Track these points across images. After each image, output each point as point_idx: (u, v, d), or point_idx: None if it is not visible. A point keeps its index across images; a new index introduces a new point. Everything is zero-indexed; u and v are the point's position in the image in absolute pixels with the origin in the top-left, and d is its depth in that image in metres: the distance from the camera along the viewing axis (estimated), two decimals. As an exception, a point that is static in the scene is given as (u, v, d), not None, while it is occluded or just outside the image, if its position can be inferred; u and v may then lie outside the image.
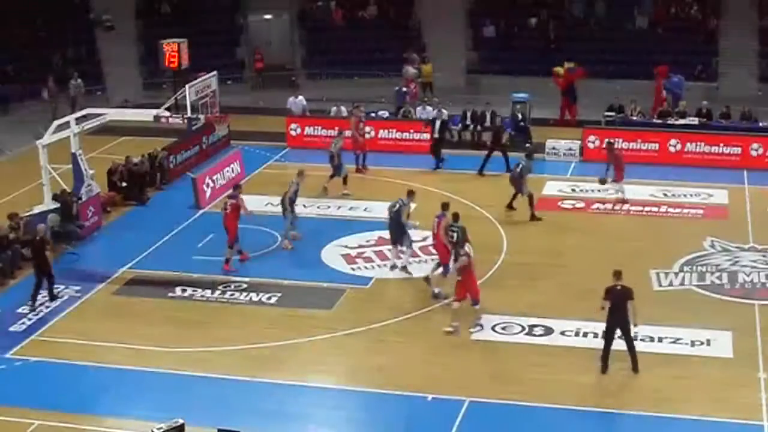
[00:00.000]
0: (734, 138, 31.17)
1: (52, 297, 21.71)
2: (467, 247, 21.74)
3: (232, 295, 21.99)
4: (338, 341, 19.86)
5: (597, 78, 38.77)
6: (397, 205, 22.87)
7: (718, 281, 22.47)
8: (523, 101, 33.90)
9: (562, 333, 19.95)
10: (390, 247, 23.38)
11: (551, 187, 28.96)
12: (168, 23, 42.32)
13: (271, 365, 18.88)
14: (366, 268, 23.36)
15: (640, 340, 18.70)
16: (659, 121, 33.23)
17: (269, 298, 21.75)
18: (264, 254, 24.16)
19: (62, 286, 22.16)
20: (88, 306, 21.69)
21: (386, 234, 23.54)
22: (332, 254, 24.13)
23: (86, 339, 19.93)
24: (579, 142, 31.70)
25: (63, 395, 17.86)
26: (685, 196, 28.29)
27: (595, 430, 17.00)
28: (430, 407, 17.42)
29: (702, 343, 19.46)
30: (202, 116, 26.15)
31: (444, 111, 32.21)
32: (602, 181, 27.37)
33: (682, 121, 33.06)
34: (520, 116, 33.07)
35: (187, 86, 25.79)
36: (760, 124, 32.75)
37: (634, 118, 33.53)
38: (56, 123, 26.01)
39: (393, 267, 23.16)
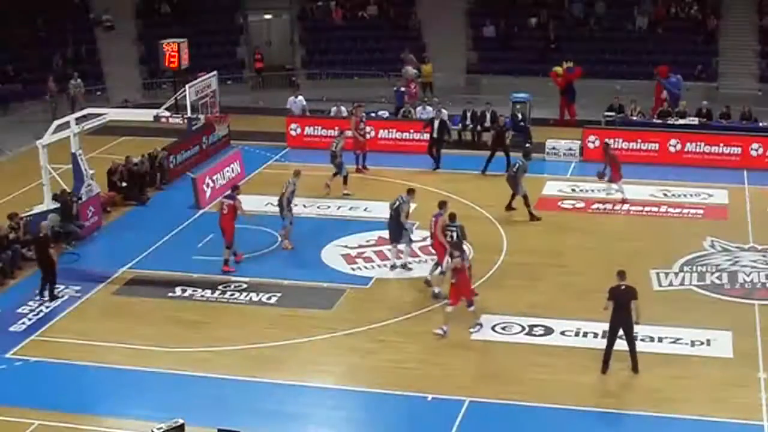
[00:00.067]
0: (734, 138, 31.16)
1: (52, 297, 21.72)
2: (466, 247, 21.77)
3: (232, 295, 21.99)
4: (338, 341, 19.86)
5: (597, 78, 38.83)
6: (397, 203, 22.88)
7: (718, 281, 22.47)
8: (523, 101, 33.89)
9: (562, 333, 19.95)
10: (390, 246, 23.39)
11: (551, 187, 28.96)
12: (168, 23, 42.34)
13: (271, 365, 18.89)
14: (366, 268, 23.36)
15: (640, 340, 18.70)
16: (659, 121, 33.22)
17: (269, 298, 21.75)
18: (264, 254, 24.16)
19: (62, 286, 22.16)
20: (88, 306, 21.69)
21: (386, 234, 23.54)
22: (332, 254, 24.13)
23: (86, 339, 19.93)
24: (579, 142, 31.70)
25: (63, 395, 17.86)
26: (685, 196, 28.29)
27: (595, 430, 16.99)
28: (430, 407, 17.42)
29: (702, 343, 19.46)
30: (202, 116, 26.13)
31: (444, 111, 32.21)
32: (600, 176, 27.41)
33: (682, 121, 33.06)
34: (520, 116, 33.06)
35: (187, 86, 25.77)
36: (760, 124, 32.74)
37: (634, 118, 33.52)
38: (56, 123, 26.00)
39: (393, 267, 23.18)
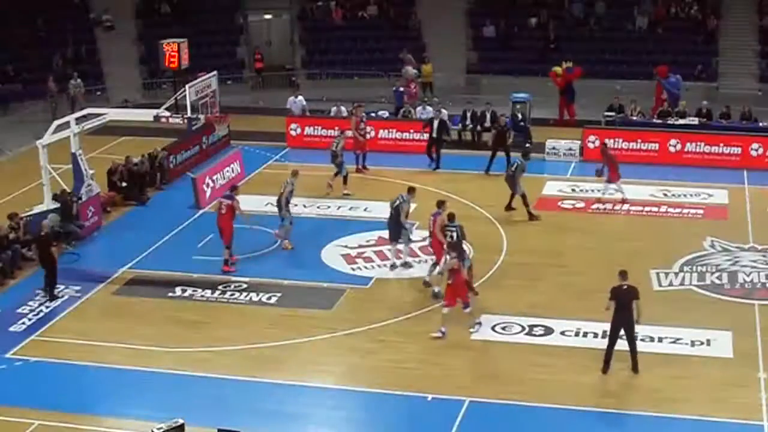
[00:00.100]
0: (734, 138, 31.16)
1: (52, 297, 21.73)
2: (466, 246, 21.77)
3: (232, 295, 21.99)
4: (338, 341, 19.86)
5: (597, 78, 38.84)
6: (398, 202, 22.90)
7: (718, 281, 22.47)
8: (523, 101, 33.89)
9: (562, 333, 19.95)
10: (390, 246, 23.40)
11: (551, 187, 28.96)
12: (168, 23, 42.35)
13: (271, 365, 18.89)
14: (366, 268, 23.36)
15: (640, 340, 18.68)
16: (659, 121, 33.22)
17: (269, 298, 21.75)
18: (264, 254, 24.16)
19: (62, 286, 22.16)
20: (88, 306, 21.69)
21: (386, 234, 23.54)
22: (332, 254, 24.13)
23: (86, 339, 19.93)
24: (579, 142, 31.70)
25: (63, 395, 17.87)
26: (685, 196, 28.28)
27: (595, 430, 16.99)
28: (430, 407, 17.42)
29: (702, 343, 19.46)
30: (202, 116, 26.13)
31: (444, 111, 32.21)
32: (599, 173, 27.44)
33: (682, 121, 33.06)
34: (520, 116, 33.06)
35: (187, 86, 25.77)
36: (760, 124, 32.74)
37: (634, 118, 33.52)
38: (56, 123, 26.00)
39: (393, 266, 23.19)
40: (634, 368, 18.28)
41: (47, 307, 21.44)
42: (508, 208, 26.52)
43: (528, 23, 43.59)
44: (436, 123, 30.84)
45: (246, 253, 23.80)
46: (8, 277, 22.91)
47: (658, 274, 22.69)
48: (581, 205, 27.62)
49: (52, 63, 40.26)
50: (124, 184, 28.07)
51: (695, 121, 33.08)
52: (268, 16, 45.55)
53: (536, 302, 21.32)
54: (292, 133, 33.57)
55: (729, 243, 24.56)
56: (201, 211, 27.09)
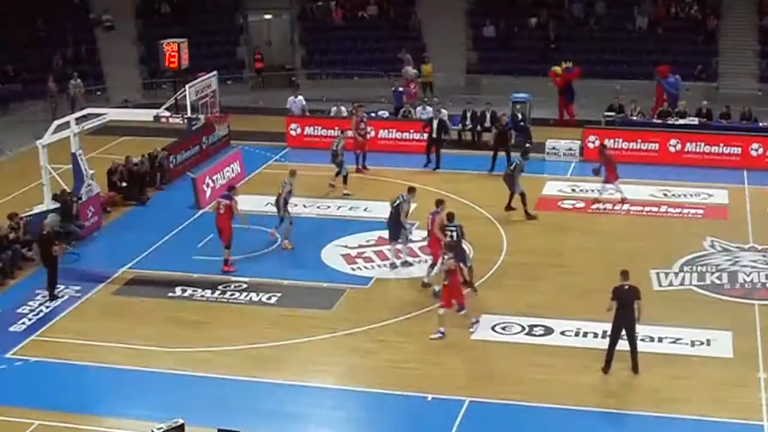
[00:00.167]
0: (734, 138, 31.16)
1: (53, 297, 21.73)
2: (466, 246, 21.76)
3: (232, 295, 21.99)
4: (338, 341, 19.86)
5: (597, 78, 38.87)
6: (398, 201, 22.92)
7: (718, 281, 22.47)
8: (523, 101, 33.90)
9: (562, 333, 19.95)
10: (389, 246, 23.40)
11: (551, 187, 28.96)
12: (168, 23, 42.36)
13: (271, 365, 18.89)
14: (366, 268, 23.36)
15: (640, 340, 18.67)
16: (659, 121, 33.22)
17: (269, 298, 21.75)
18: (264, 254, 24.16)
19: (62, 286, 22.16)
20: (88, 306, 21.69)
21: (386, 233, 23.54)
22: (332, 254, 24.13)
23: (86, 339, 19.93)
24: (579, 142, 31.70)
25: (63, 395, 17.86)
26: (685, 196, 28.28)
27: (595, 430, 16.99)
28: (430, 407, 17.42)
29: (702, 343, 19.46)
30: (202, 116, 26.14)
31: (444, 111, 32.22)
32: (596, 172, 27.46)
33: (682, 121, 33.06)
34: (520, 116, 33.06)
35: (187, 86, 25.77)
36: (760, 124, 32.74)
37: (634, 118, 33.52)
38: (56, 123, 26.00)
39: (393, 266, 23.19)
40: (634, 368, 18.27)
41: (47, 307, 21.44)
42: (508, 208, 26.52)
43: (528, 23, 43.59)
44: (435, 123, 30.84)
45: (246, 253, 23.81)
46: (8, 277, 22.91)
47: (658, 274, 22.69)
48: (581, 205, 27.62)
49: (52, 63, 40.27)
50: (124, 184, 28.07)
51: (695, 121, 33.08)
52: (268, 16, 45.56)
53: (536, 302, 21.32)
54: (292, 133, 33.57)
55: (729, 243, 24.56)
56: (201, 211, 27.08)
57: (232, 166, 29.70)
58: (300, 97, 34.73)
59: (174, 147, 30.68)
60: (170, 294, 22.05)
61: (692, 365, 18.74)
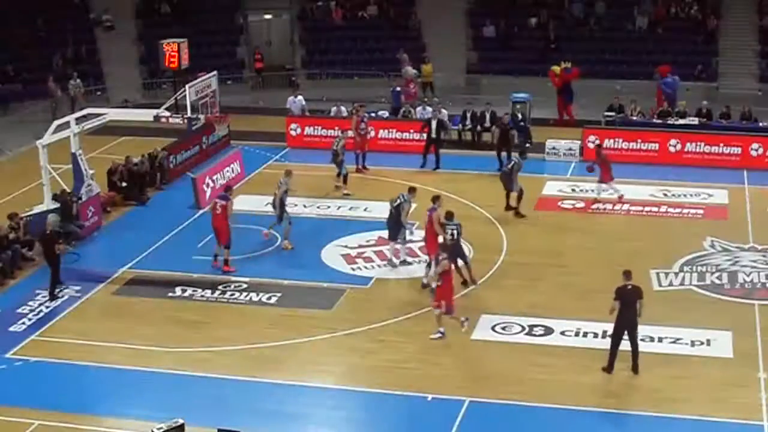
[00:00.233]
0: (734, 138, 31.16)
1: (53, 297, 21.74)
2: (465, 245, 21.76)
3: (232, 295, 21.99)
4: (338, 341, 19.86)
5: (597, 78, 38.87)
6: (398, 201, 22.93)
7: (718, 281, 22.47)
8: (523, 101, 33.90)
9: (562, 333, 19.94)
10: (389, 246, 23.40)
11: (551, 187, 28.95)
12: (168, 23, 42.37)
13: (271, 365, 18.89)
14: (366, 268, 23.36)
15: (641, 340, 18.67)
16: (659, 121, 33.22)
17: (269, 298, 21.75)
18: (264, 254, 24.16)
19: (62, 286, 22.14)
20: (88, 306, 21.69)
21: (386, 233, 23.55)
22: (332, 254, 24.13)
23: (86, 339, 19.93)
24: (579, 142, 31.69)
25: (63, 395, 17.86)
26: (685, 196, 28.28)
27: (595, 430, 16.98)
28: (430, 407, 17.42)
29: (702, 343, 19.46)
30: (202, 116, 26.14)
31: (444, 111, 32.21)
32: (590, 169, 27.47)
33: (682, 121, 33.06)
34: (520, 116, 33.05)
35: (187, 86, 25.78)
36: (760, 124, 32.74)
37: (634, 118, 33.52)
38: (56, 123, 26.00)
39: (392, 265, 23.20)
40: (634, 369, 18.26)
41: (47, 307, 21.44)
42: (508, 207, 26.51)
43: (528, 23, 43.59)
44: (434, 123, 30.82)
45: (246, 253, 23.81)
46: (8, 277, 22.91)
47: (658, 274, 22.69)
48: (581, 205, 27.62)
49: (52, 63, 40.27)
50: (124, 184, 28.07)
51: (695, 121, 33.08)
52: (268, 16, 45.55)
53: (536, 302, 21.32)
54: (292, 133, 33.57)
55: (729, 243, 24.56)
56: (201, 211, 27.06)
57: (232, 166, 29.70)
58: (300, 97, 34.72)
59: (174, 147, 30.68)
60: (170, 294, 22.04)
61: (692, 365, 18.74)
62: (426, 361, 18.99)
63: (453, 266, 21.18)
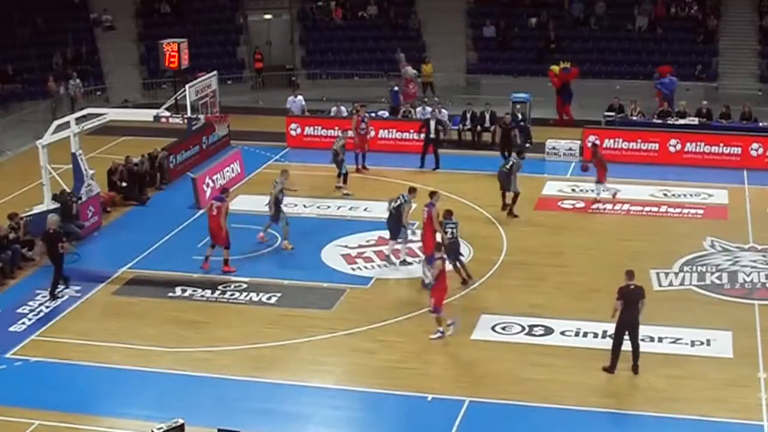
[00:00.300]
0: (734, 138, 31.16)
1: (53, 296, 21.74)
2: (464, 245, 21.77)
3: (232, 295, 21.99)
4: (338, 341, 19.86)
5: (597, 78, 38.88)
6: (399, 201, 22.93)
7: (718, 281, 22.47)
8: (523, 101, 33.91)
9: (562, 333, 19.94)
10: (389, 246, 23.40)
11: (551, 187, 28.95)
12: (168, 23, 42.37)
13: (271, 365, 18.89)
14: (366, 268, 23.36)
15: (641, 340, 18.67)
16: (659, 121, 33.22)
17: (269, 298, 21.75)
18: (264, 254, 24.16)
19: (62, 286, 22.14)
20: (88, 306, 21.69)
21: (386, 234, 23.56)
22: (332, 254, 24.13)
23: (86, 339, 19.94)
24: (579, 142, 31.67)
25: (63, 395, 17.86)
26: (685, 196, 28.28)
27: (595, 430, 16.97)
28: (430, 407, 17.42)
29: (702, 343, 19.46)
30: (202, 116, 26.15)
31: (444, 111, 32.19)
32: (585, 168, 27.48)
33: (682, 121, 33.06)
34: (520, 116, 33.05)
35: (187, 86, 25.79)
36: (760, 124, 32.72)
37: (634, 118, 33.52)
38: (56, 123, 26.00)
39: (390, 263, 23.21)
40: (635, 369, 18.26)
41: (47, 307, 21.44)
42: (504, 207, 26.47)
43: (528, 23, 43.58)
44: (432, 123, 30.81)
45: (246, 253, 23.81)
46: (8, 277, 22.91)
47: (658, 274, 22.68)
48: (581, 205, 27.62)
49: (52, 63, 40.27)
50: (124, 184, 28.07)
51: (695, 121, 33.07)
52: (268, 16, 45.53)
53: (536, 302, 21.32)
54: (292, 133, 33.56)
55: (729, 243, 24.56)
56: (201, 211, 27.01)
57: (232, 166, 29.70)
58: (300, 97, 34.72)
59: (174, 147, 30.67)
60: (170, 294, 22.05)
61: (692, 365, 18.74)
62: (426, 361, 19.00)
63: (452, 266, 21.24)
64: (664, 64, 36.37)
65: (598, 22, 43.23)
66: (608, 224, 26.35)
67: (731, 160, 30.83)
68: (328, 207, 27.40)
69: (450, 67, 41.60)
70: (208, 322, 20.76)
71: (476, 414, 17.15)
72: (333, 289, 22.13)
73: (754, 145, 30.85)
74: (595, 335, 19.62)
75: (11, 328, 20.51)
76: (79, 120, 26.15)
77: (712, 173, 29.88)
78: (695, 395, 17.68)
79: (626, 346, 18.26)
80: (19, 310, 21.27)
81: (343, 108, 33.64)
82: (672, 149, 31.30)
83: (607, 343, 18.60)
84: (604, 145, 30.37)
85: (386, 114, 34.57)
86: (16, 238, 23.54)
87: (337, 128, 30.58)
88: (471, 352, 19.45)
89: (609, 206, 27.32)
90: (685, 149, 31.22)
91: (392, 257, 23.32)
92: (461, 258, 22.08)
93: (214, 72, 27.89)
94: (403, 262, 23.24)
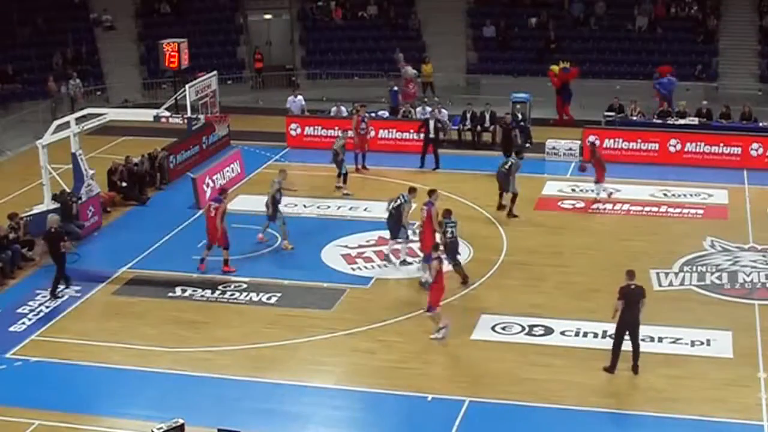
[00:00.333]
0: (734, 138, 31.16)
1: (53, 296, 21.74)
2: (463, 244, 21.78)
3: (232, 295, 21.99)
4: (338, 341, 19.86)
5: (597, 78, 38.87)
6: (399, 201, 22.93)
7: (718, 281, 22.46)
8: (523, 101, 33.91)
9: (562, 333, 19.94)
10: (389, 246, 23.40)
11: (551, 187, 28.95)
12: (168, 23, 42.38)
13: (271, 365, 18.89)
14: (366, 268, 23.36)
15: (641, 340, 18.67)
16: (659, 121, 33.22)
17: (269, 298, 21.75)
18: (264, 254, 24.16)
19: (62, 286, 22.14)
20: (88, 306, 21.69)
21: (386, 234, 23.56)
22: (332, 254, 24.13)
23: (86, 339, 19.94)
24: (579, 142, 31.67)
25: (63, 395, 17.87)
26: (685, 196, 28.28)
27: (595, 430, 16.97)
28: (430, 407, 17.42)
29: (702, 343, 19.46)
30: (202, 116, 26.16)
31: (444, 111, 32.18)
32: (583, 168, 27.47)
33: (682, 121, 33.06)
34: (520, 116, 33.06)
35: (187, 86, 25.80)
36: (760, 124, 32.72)
37: (634, 118, 33.52)
38: (56, 123, 26.01)
39: (390, 262, 23.21)
40: (635, 369, 18.26)
41: (47, 307, 21.45)
42: (500, 207, 26.49)
43: (528, 23, 43.59)
44: (432, 123, 30.81)
45: (246, 253, 23.82)
46: (8, 277, 22.92)
47: (658, 274, 22.68)
48: (581, 205, 27.61)
49: (52, 63, 40.28)
50: (124, 184, 28.07)
51: (695, 121, 33.07)
52: (268, 16, 45.54)
53: (536, 302, 21.32)
54: (292, 133, 33.56)
55: (729, 243, 24.56)
56: (201, 211, 27.02)
57: (232, 166, 29.70)
58: (299, 97, 34.73)
59: (174, 147, 30.67)
60: (170, 294, 22.05)
61: (692, 365, 18.74)
62: (426, 361, 19.00)
63: (451, 267, 21.24)
64: (664, 64, 36.37)
65: (598, 22, 43.24)
66: (608, 224, 26.35)
67: (731, 160, 30.83)
68: (328, 207, 27.40)
69: (450, 67, 41.60)
70: (208, 322, 20.76)
71: (476, 414, 17.15)
72: (333, 289, 22.13)
73: (754, 145, 30.85)
74: (595, 335, 19.62)
75: (11, 328, 20.51)
76: (79, 120, 26.16)
77: (712, 173, 29.88)
78: (695, 395, 17.68)
79: (626, 346, 18.27)
80: (19, 310, 21.27)
81: (343, 108, 33.64)
82: (672, 149, 31.30)
83: (607, 343, 18.62)
84: (604, 145, 30.39)
85: (386, 114, 34.58)
86: (16, 238, 23.54)
87: (337, 128, 30.59)
88: (471, 352, 19.45)
89: (609, 206, 27.32)
90: (685, 149, 31.22)
91: (392, 257, 23.33)
92: (458, 258, 22.05)
93: (214, 72, 27.92)
94: (403, 262, 23.25)
